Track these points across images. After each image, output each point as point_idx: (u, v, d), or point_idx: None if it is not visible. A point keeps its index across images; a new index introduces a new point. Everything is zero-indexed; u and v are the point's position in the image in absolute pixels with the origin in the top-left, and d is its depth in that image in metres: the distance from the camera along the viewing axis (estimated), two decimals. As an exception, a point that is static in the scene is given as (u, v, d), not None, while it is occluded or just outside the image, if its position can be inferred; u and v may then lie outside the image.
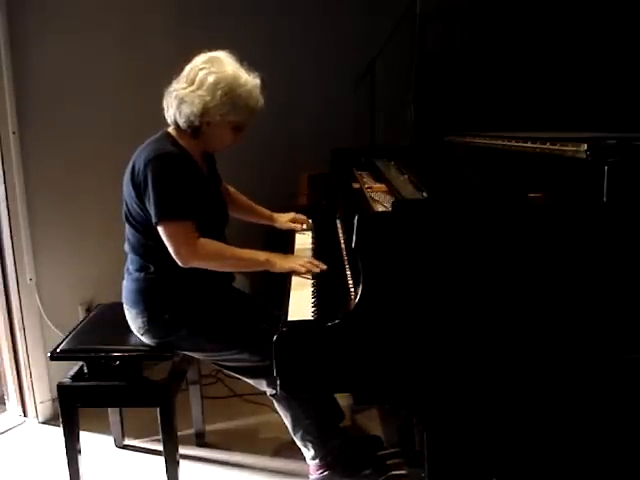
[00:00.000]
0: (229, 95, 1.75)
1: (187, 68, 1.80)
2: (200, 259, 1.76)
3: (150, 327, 1.84)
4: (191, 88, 1.76)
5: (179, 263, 1.75)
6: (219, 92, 1.74)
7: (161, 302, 1.84)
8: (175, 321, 1.83)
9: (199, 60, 1.79)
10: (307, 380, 1.33)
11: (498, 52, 2.54)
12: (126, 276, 1.91)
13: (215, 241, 1.81)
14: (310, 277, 1.75)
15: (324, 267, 1.78)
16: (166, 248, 1.75)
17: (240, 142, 1.89)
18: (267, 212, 2.28)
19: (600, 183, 1.24)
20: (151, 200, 1.72)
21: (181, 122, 1.78)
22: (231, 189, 2.19)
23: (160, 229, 1.74)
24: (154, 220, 1.73)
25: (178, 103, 1.77)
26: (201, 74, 1.75)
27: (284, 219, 2.28)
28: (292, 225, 2.27)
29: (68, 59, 2.46)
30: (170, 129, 1.85)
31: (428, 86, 2.40)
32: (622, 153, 1.24)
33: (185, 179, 1.74)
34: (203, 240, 1.77)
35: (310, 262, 1.81)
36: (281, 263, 1.82)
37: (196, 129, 1.79)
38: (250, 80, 1.80)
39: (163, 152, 1.74)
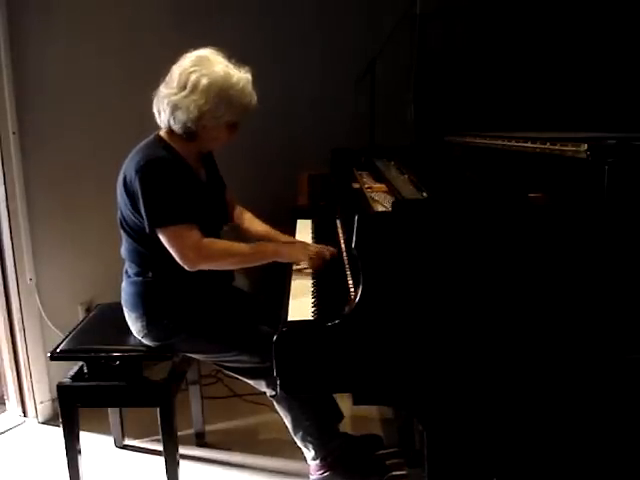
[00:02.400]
0: (223, 96, 1.71)
1: (175, 71, 1.74)
2: (207, 260, 1.74)
3: (150, 330, 1.84)
4: (184, 93, 1.70)
5: (186, 268, 1.73)
6: (212, 94, 1.70)
7: (160, 306, 1.83)
8: (175, 324, 1.83)
9: (187, 62, 1.74)
10: (307, 380, 1.33)
11: (498, 52, 2.54)
12: (125, 279, 1.90)
13: (219, 240, 1.79)
14: (310, 277, 1.75)
15: (334, 250, 1.76)
16: (163, 255, 1.73)
17: (233, 139, 1.86)
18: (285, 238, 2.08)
19: (600, 183, 1.24)
20: (145, 207, 1.69)
21: (176, 128, 1.75)
22: (247, 215, 2.11)
23: (161, 236, 1.72)
24: (147, 229, 1.71)
25: (172, 109, 1.72)
26: (193, 77, 1.70)
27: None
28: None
29: (68, 59, 2.46)
30: (162, 132, 1.82)
31: (428, 86, 2.40)
32: (622, 153, 1.24)
33: (177, 183, 1.71)
34: (207, 240, 1.74)
35: (319, 250, 1.80)
36: (289, 252, 1.80)
37: (191, 133, 1.76)
38: (242, 77, 1.75)
39: (154, 158, 1.71)
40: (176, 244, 1.71)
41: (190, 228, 1.72)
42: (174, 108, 1.72)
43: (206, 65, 1.73)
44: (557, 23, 2.41)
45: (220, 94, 1.71)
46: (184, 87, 1.71)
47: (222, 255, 1.77)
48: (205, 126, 1.75)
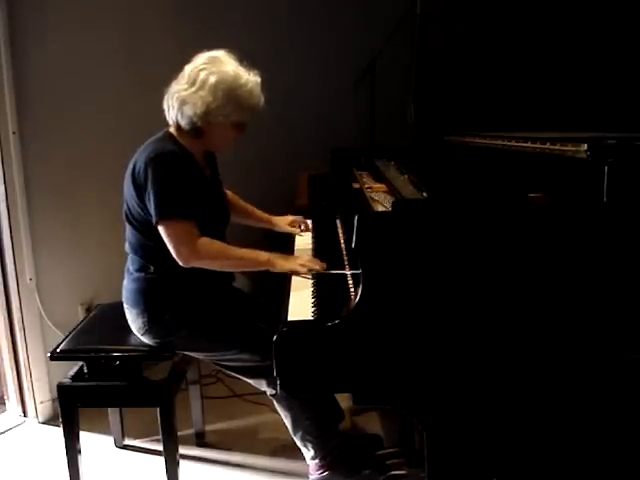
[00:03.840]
0: (231, 95, 1.75)
1: (187, 69, 1.79)
2: (201, 259, 1.76)
3: (150, 327, 1.84)
4: (192, 89, 1.75)
5: (180, 263, 1.75)
6: (220, 93, 1.74)
7: (161, 302, 1.84)
8: (175, 321, 1.83)
9: (199, 60, 1.78)
10: (307, 380, 1.33)
11: (498, 52, 2.55)
12: (126, 276, 1.90)
13: (216, 240, 1.80)
14: (310, 277, 1.75)
15: (324, 265, 1.78)
16: (166, 248, 1.75)
17: (239, 141, 1.88)
18: (266, 216, 2.25)
19: (600, 183, 1.25)
20: (151, 199, 1.72)
21: (183, 123, 1.78)
22: (229, 193, 2.17)
23: (160, 228, 1.74)
24: (154, 219, 1.73)
25: (180, 104, 1.76)
26: (202, 74, 1.74)
27: (283, 222, 2.26)
28: (291, 229, 2.25)
29: (68, 59, 2.46)
30: (171, 129, 1.85)
31: (428, 86, 2.41)
32: (622, 153, 1.24)
33: (186, 178, 1.74)
34: (204, 239, 1.76)
35: (311, 261, 1.81)
36: (282, 263, 1.81)
37: (198, 129, 1.79)
38: (251, 79, 1.79)
39: (164, 151, 1.74)
40: (173, 238, 1.73)
41: (190, 225, 1.74)
42: (182, 103, 1.75)
43: (217, 64, 1.76)
44: (557, 23, 2.41)
45: (228, 93, 1.74)
46: (193, 83, 1.75)
47: (215, 256, 1.78)
48: (211, 123, 1.77)
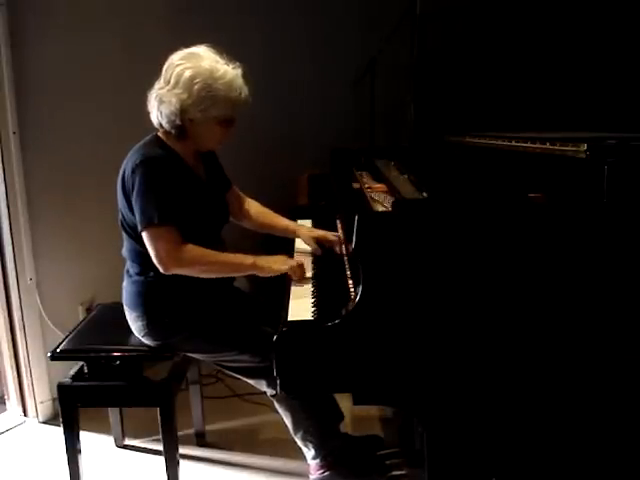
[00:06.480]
0: (207, 90, 1.69)
1: (164, 66, 1.75)
2: (181, 265, 1.71)
3: (150, 330, 1.84)
4: (168, 87, 1.71)
5: (160, 269, 1.71)
6: (195, 88, 1.69)
7: (161, 305, 1.83)
8: (175, 324, 1.83)
9: (176, 57, 1.74)
10: (307, 380, 1.33)
11: (498, 52, 2.55)
12: (126, 278, 1.90)
13: (199, 247, 1.75)
14: (310, 277, 1.75)
15: (309, 275, 1.76)
16: None
17: (230, 137, 1.84)
18: (291, 225, 2.12)
19: (600, 183, 1.25)
20: (137, 207, 1.70)
21: (164, 123, 1.74)
22: (252, 204, 2.13)
23: (144, 235, 1.71)
24: (139, 228, 1.70)
25: (158, 104, 1.73)
26: (177, 71, 1.70)
27: (306, 235, 2.05)
28: (312, 247, 2.02)
29: (68, 59, 2.46)
30: (159, 132, 1.82)
31: (428, 86, 2.40)
32: (622, 153, 1.24)
33: (171, 183, 1.70)
34: (187, 246, 1.71)
35: (299, 266, 1.77)
36: (269, 266, 1.77)
37: (181, 129, 1.75)
38: (229, 71, 1.73)
39: (150, 157, 1.71)
40: (153, 245, 1.70)
41: (170, 230, 1.70)
42: (159, 102, 1.73)
43: (193, 60, 1.72)
44: (557, 23, 2.41)
45: (204, 87, 1.70)
46: (169, 81, 1.72)
47: (198, 262, 1.73)
48: (192, 120, 1.74)
